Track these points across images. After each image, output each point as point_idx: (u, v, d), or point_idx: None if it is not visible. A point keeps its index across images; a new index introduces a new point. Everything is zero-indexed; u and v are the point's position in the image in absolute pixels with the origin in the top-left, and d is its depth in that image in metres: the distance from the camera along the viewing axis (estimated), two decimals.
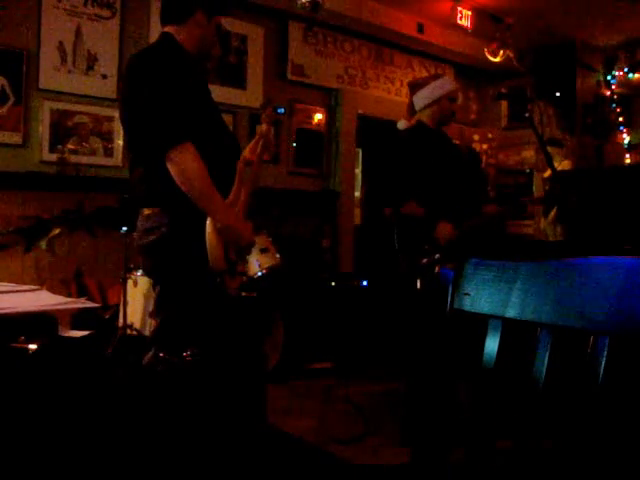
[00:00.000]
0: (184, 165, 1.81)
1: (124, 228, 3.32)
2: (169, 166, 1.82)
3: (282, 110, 2.48)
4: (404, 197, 2.91)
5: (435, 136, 3.08)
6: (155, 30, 3.98)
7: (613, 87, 6.35)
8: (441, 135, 3.14)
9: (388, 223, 3.00)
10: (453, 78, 6.06)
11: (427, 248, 2.76)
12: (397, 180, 2.95)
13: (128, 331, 3.33)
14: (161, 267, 2.00)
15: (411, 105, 3.15)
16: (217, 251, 1.89)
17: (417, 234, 2.88)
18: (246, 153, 2.25)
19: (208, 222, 1.88)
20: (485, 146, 6.25)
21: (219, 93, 4.55)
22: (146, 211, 1.96)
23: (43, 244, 3.69)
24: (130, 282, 3.42)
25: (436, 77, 3.25)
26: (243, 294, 3.35)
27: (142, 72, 1.90)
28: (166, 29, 2.03)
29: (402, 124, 3.14)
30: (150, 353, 1.99)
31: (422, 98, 3.07)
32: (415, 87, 3.13)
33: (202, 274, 1.92)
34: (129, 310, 3.37)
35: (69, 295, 3.65)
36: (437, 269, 2.60)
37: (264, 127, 2.24)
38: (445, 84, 3.08)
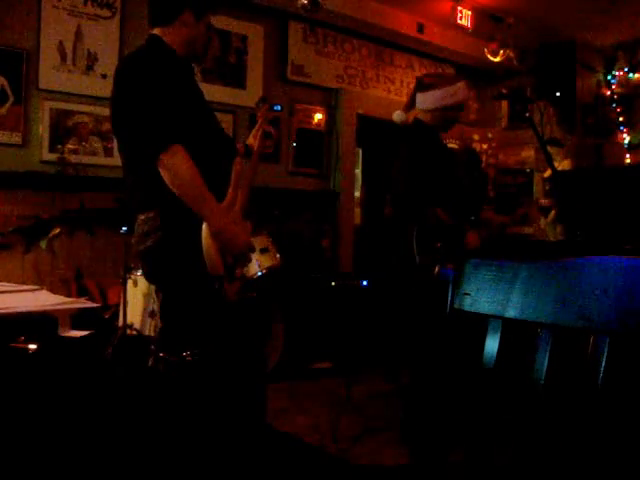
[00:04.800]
0: (175, 168, 1.79)
1: (124, 228, 3.32)
2: (161, 170, 1.81)
3: (279, 107, 2.44)
4: (427, 202, 2.76)
5: (433, 135, 2.95)
6: None
7: (613, 87, 6.35)
8: (437, 135, 3.00)
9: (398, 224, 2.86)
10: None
11: (439, 246, 2.67)
12: (417, 183, 2.76)
13: (128, 331, 3.33)
14: (160, 273, 1.98)
15: (412, 100, 2.95)
16: (213, 256, 1.85)
17: (438, 238, 2.72)
18: (249, 139, 2.26)
19: (204, 226, 1.85)
20: (485, 146, 6.25)
21: (219, 93, 4.56)
22: (142, 216, 1.94)
23: (43, 244, 3.69)
24: (130, 282, 3.42)
25: (450, 81, 2.97)
26: (242, 295, 3.35)
27: (129, 77, 1.90)
28: (154, 31, 2.02)
29: (399, 116, 2.90)
30: (153, 357, 1.99)
31: (429, 101, 2.88)
32: (425, 86, 2.91)
33: (201, 279, 1.89)
34: (129, 310, 3.36)
35: (69, 295, 3.65)
36: (437, 269, 2.59)
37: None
38: (458, 93, 2.87)
